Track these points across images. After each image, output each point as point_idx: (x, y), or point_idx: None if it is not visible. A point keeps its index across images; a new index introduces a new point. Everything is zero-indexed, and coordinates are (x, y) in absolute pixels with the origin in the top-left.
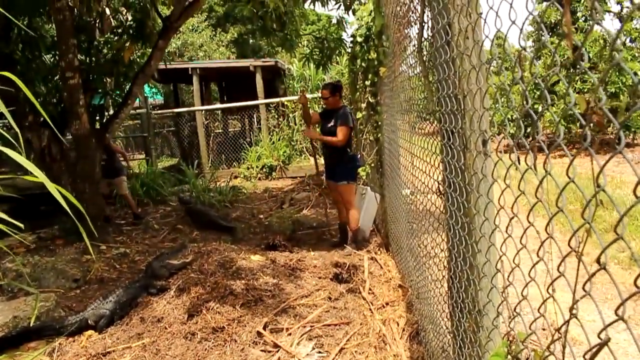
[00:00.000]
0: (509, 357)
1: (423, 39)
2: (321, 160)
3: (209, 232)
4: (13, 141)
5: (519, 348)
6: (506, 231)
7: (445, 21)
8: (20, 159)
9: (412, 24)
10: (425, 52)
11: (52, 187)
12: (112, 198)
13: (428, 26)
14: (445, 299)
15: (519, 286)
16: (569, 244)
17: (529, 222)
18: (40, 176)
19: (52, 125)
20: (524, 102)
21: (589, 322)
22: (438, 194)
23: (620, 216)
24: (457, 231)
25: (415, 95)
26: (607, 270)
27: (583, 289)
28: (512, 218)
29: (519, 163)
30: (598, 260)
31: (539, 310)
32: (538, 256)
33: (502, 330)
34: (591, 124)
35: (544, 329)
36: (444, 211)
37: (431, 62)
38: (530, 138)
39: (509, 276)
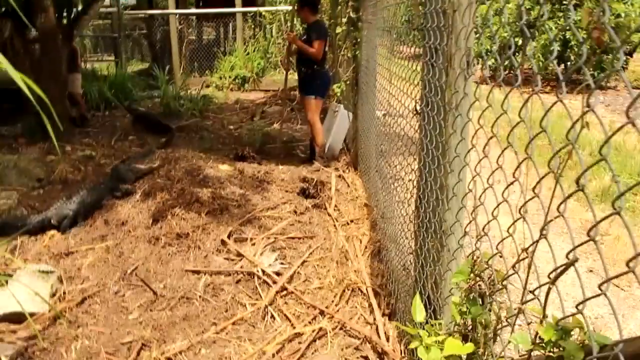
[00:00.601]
0: (472, 275)
1: None
2: (294, 76)
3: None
4: None
5: (482, 267)
6: (483, 151)
7: None
8: None
9: None
10: None
11: (17, 76)
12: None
13: None
14: (411, 218)
15: (490, 208)
16: (548, 165)
17: (509, 143)
18: (5, 64)
19: (19, 14)
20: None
21: (545, 254)
22: (414, 113)
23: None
24: (430, 150)
25: (399, 11)
26: (585, 193)
27: (557, 209)
28: (491, 138)
29: (502, 85)
30: (577, 181)
31: (507, 230)
32: (514, 177)
33: (468, 251)
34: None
35: (512, 240)
36: (419, 130)
37: None
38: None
39: (480, 196)
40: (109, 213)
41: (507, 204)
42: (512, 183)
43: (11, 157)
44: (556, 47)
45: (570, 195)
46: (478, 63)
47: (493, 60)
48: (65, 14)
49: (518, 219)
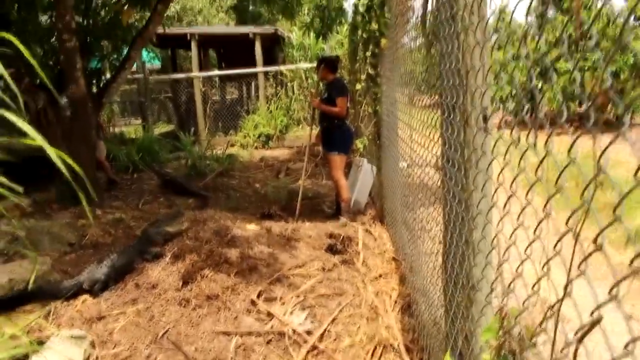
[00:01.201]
0: (501, 332)
1: (427, 12)
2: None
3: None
4: (11, 103)
5: (511, 324)
6: (504, 209)
7: None
8: (19, 122)
9: None
10: (428, 25)
11: (50, 150)
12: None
13: None
14: (439, 272)
15: (515, 263)
16: (566, 224)
17: (527, 200)
18: (37, 139)
19: (50, 88)
20: (529, 81)
21: (583, 299)
22: (436, 168)
23: (620, 198)
24: (453, 207)
25: (416, 69)
26: (604, 251)
27: (578, 268)
28: (511, 196)
29: (519, 141)
30: (595, 241)
31: (532, 287)
32: (535, 234)
33: (495, 306)
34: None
35: (534, 305)
36: (441, 186)
37: (434, 35)
38: (531, 115)
39: (504, 253)
40: (140, 276)
41: (538, 251)
42: (533, 241)
43: (44, 223)
44: (576, 87)
45: (588, 256)
46: (498, 108)
47: (513, 104)
48: (94, 82)
49: (542, 277)
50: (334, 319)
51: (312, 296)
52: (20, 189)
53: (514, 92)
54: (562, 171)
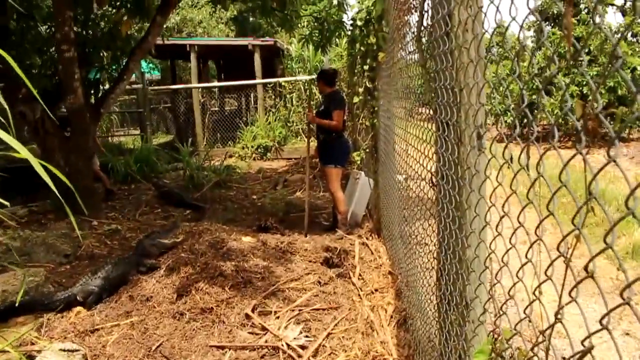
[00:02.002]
0: (493, 354)
1: (422, 28)
2: (314, 144)
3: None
4: (1, 118)
5: (503, 346)
6: (496, 229)
7: (445, 11)
8: (6, 137)
9: (412, 11)
10: (424, 41)
11: (37, 165)
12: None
13: (428, 15)
14: (434, 289)
15: (507, 282)
16: (557, 249)
17: (519, 223)
18: (25, 154)
19: (41, 102)
20: (520, 101)
21: (575, 317)
22: (431, 184)
23: (611, 227)
24: (447, 224)
25: (412, 84)
26: (595, 279)
27: (569, 295)
28: (503, 217)
29: (512, 161)
30: (586, 268)
31: (524, 311)
32: (527, 258)
33: (488, 325)
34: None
35: (529, 321)
36: (435, 203)
37: (429, 51)
38: (524, 129)
39: (496, 274)
40: (134, 288)
41: (531, 272)
42: (524, 264)
43: (40, 233)
44: (572, 102)
45: (579, 283)
46: (492, 123)
47: (511, 118)
48: (93, 92)
49: (533, 301)
50: (329, 334)
51: (307, 310)
52: (6, 203)
53: (509, 106)
54: (553, 195)
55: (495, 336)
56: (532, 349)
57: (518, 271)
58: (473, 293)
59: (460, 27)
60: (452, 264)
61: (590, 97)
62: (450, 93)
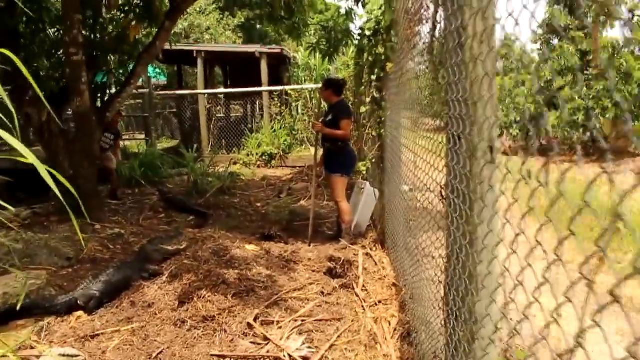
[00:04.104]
0: None
1: (434, 39)
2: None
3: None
4: (7, 121)
5: None
6: (511, 247)
7: (459, 23)
8: (11, 140)
9: (424, 22)
10: (436, 53)
11: (41, 169)
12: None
13: (440, 26)
14: (440, 304)
15: (521, 300)
16: (579, 272)
17: (537, 242)
18: (30, 157)
19: (47, 104)
20: (528, 114)
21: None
22: (440, 198)
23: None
24: (457, 238)
25: (421, 95)
26: (621, 303)
27: (593, 320)
28: (518, 235)
29: (530, 176)
30: (612, 293)
31: (540, 333)
32: (544, 278)
33: (498, 343)
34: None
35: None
36: (445, 216)
37: (441, 63)
38: (536, 142)
39: (511, 293)
40: (136, 294)
41: (548, 292)
42: (542, 284)
43: (42, 236)
44: (580, 116)
45: (603, 308)
46: (503, 134)
47: (517, 131)
48: (99, 96)
49: (550, 323)
50: (331, 345)
51: (310, 321)
52: (12, 209)
53: (516, 119)
54: (575, 215)
55: (508, 356)
56: None
57: (535, 290)
58: (484, 310)
59: (475, 39)
60: (462, 280)
61: (597, 112)
62: (463, 106)
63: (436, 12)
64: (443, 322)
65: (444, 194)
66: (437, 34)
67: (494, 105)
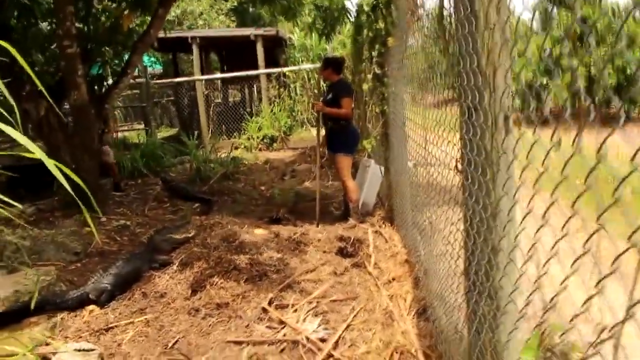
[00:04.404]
0: (542, 349)
1: (443, 9)
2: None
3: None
4: (7, 116)
5: (553, 341)
6: (542, 218)
7: None
8: (17, 135)
9: None
10: (445, 23)
11: (49, 163)
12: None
13: None
14: (459, 278)
15: (553, 274)
16: (629, 239)
17: (574, 211)
18: (37, 152)
19: (47, 97)
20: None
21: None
22: (456, 171)
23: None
24: (477, 211)
25: (429, 67)
26: None
27: None
28: (551, 204)
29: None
30: None
31: (583, 305)
32: (584, 248)
33: (530, 318)
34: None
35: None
36: (462, 189)
37: (450, 34)
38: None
39: (544, 265)
40: (147, 285)
41: (588, 259)
42: (582, 255)
43: (49, 232)
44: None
45: None
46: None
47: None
48: (96, 88)
49: (593, 296)
50: (348, 325)
51: (325, 302)
52: (20, 205)
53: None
54: (623, 181)
55: (542, 331)
56: (593, 345)
57: (573, 262)
58: (511, 285)
59: (491, 5)
60: (484, 253)
61: (597, 79)
62: (478, 76)
63: None
64: (464, 298)
65: (459, 167)
66: (446, 3)
67: (509, 74)
